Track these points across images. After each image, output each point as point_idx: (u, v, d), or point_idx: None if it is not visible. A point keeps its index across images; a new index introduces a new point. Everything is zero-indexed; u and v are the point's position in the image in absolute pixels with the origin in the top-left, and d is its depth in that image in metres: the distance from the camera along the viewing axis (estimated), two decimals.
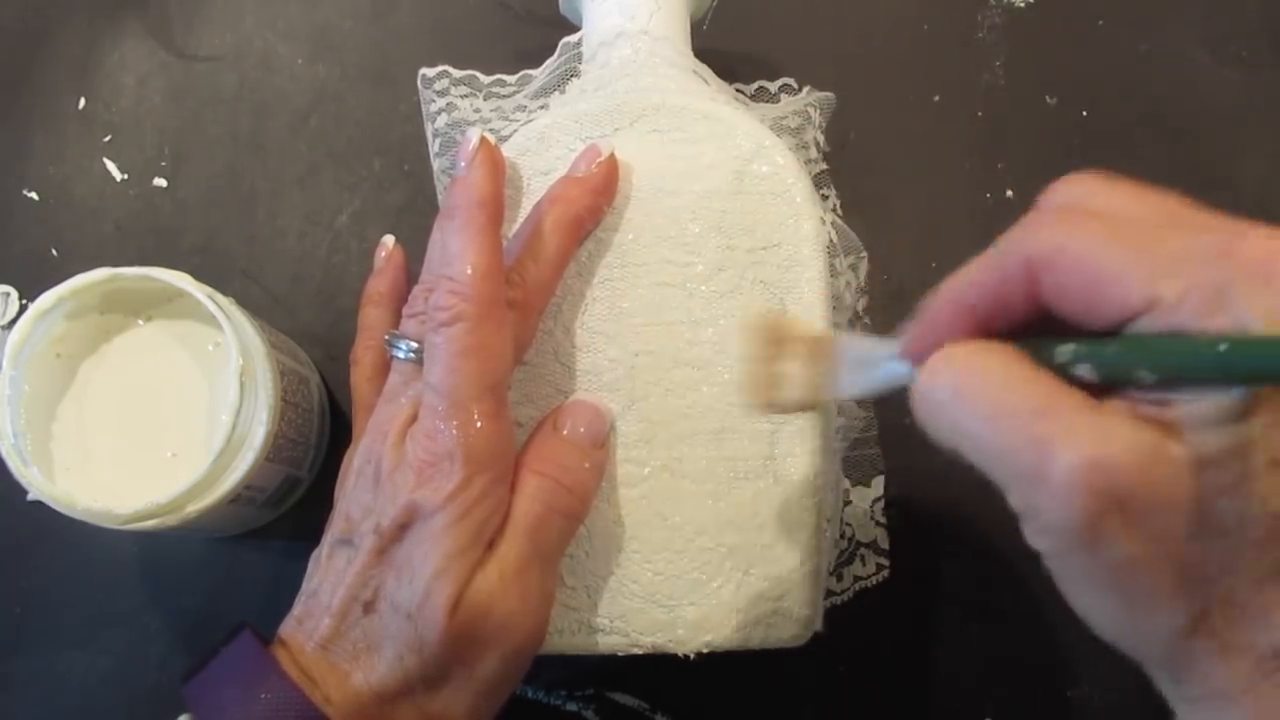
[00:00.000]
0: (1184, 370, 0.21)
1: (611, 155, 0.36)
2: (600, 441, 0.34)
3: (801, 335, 0.32)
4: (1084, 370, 0.22)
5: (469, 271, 0.32)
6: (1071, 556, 0.22)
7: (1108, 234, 0.22)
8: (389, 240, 0.42)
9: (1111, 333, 0.22)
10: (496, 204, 0.33)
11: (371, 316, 0.40)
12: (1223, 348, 0.20)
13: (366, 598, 0.32)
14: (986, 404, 0.22)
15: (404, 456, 0.32)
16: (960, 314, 0.24)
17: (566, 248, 0.35)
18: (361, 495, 0.33)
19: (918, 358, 0.26)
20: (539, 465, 0.33)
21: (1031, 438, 0.21)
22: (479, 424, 0.31)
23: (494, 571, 0.31)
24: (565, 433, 0.34)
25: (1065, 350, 0.23)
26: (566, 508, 0.33)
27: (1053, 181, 0.25)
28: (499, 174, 0.33)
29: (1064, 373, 0.23)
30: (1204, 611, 0.21)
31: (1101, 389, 0.22)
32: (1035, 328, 0.24)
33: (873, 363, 0.30)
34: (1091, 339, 0.22)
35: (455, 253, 0.32)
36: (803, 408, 0.33)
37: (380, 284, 0.41)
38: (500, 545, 0.32)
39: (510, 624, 0.31)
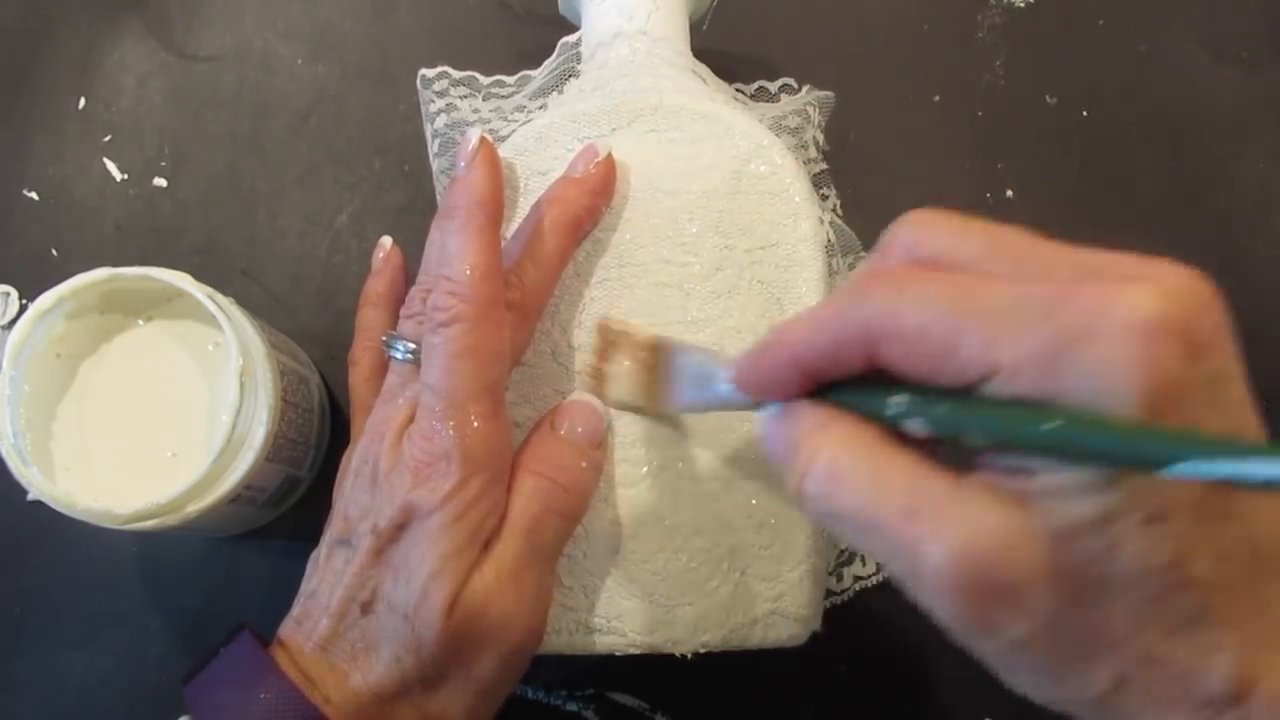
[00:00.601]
0: (1015, 443, 0.21)
1: (609, 155, 0.36)
2: (598, 440, 0.34)
3: (635, 340, 0.33)
4: (915, 426, 0.22)
5: (468, 272, 0.32)
6: (975, 645, 0.22)
7: (941, 297, 0.22)
8: (386, 241, 0.42)
9: (964, 392, 0.22)
10: (495, 204, 0.33)
11: (369, 317, 0.40)
12: (1047, 427, 0.20)
13: (364, 598, 0.32)
14: (858, 510, 0.22)
15: (401, 457, 0.32)
16: (796, 369, 0.25)
17: (564, 249, 0.35)
18: (359, 496, 0.33)
19: (751, 391, 0.26)
20: (536, 465, 0.33)
21: (902, 542, 0.21)
22: (476, 424, 0.31)
23: (490, 572, 0.31)
24: (563, 432, 0.34)
25: (897, 403, 0.22)
26: (563, 507, 0.33)
27: (899, 221, 0.24)
28: (498, 175, 0.33)
29: (894, 425, 0.23)
30: (1123, 675, 0.21)
31: (966, 454, 0.22)
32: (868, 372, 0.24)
33: (706, 381, 0.30)
34: (924, 394, 0.22)
35: (454, 253, 0.32)
36: (634, 410, 0.35)
37: (378, 285, 0.41)
38: (497, 546, 0.32)
39: (507, 624, 0.31)
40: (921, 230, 0.24)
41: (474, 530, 0.31)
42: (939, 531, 0.21)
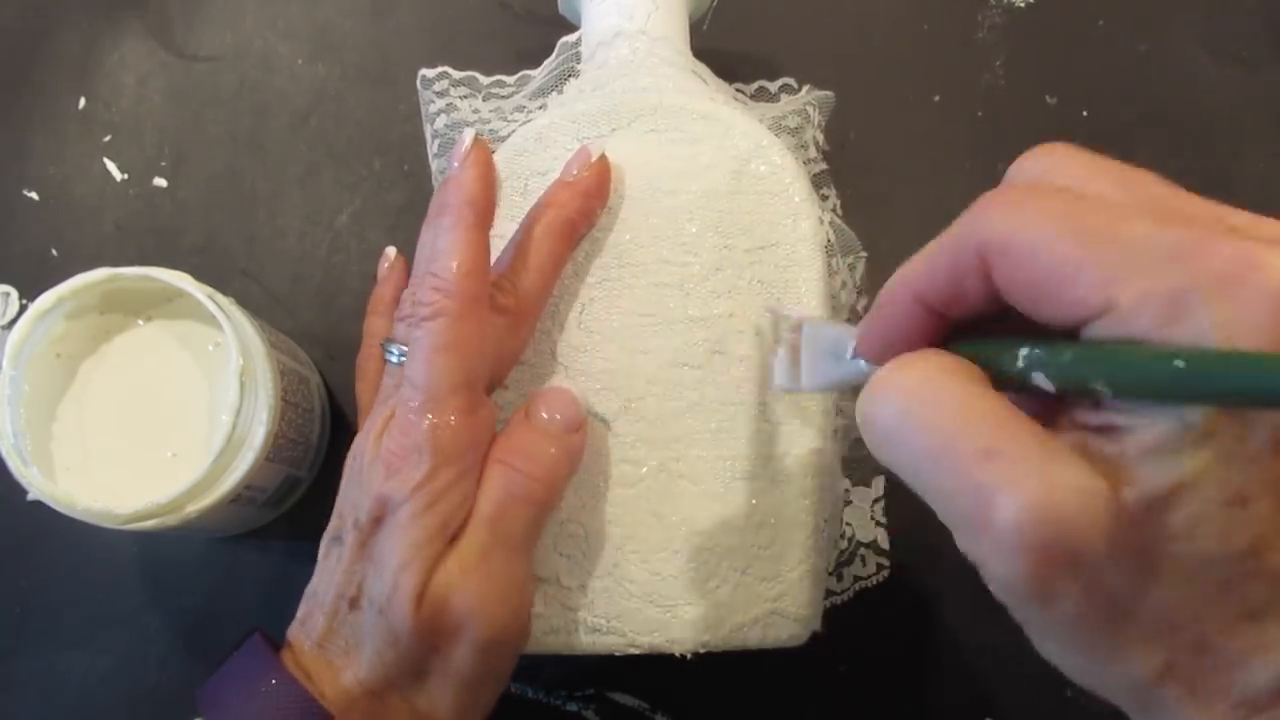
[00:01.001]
0: (1140, 387, 0.19)
1: (602, 157, 0.36)
2: (574, 426, 0.34)
3: (790, 321, 0.32)
4: (1039, 379, 0.21)
5: (454, 268, 0.32)
6: (1023, 611, 0.21)
7: (1064, 222, 0.20)
8: (390, 251, 0.42)
9: (1070, 333, 0.20)
10: (485, 204, 0.33)
11: (375, 325, 0.40)
12: (1178, 364, 0.18)
13: (352, 594, 0.32)
14: (932, 437, 0.21)
15: (379, 451, 0.32)
16: (915, 306, 0.23)
17: (558, 253, 0.35)
18: (349, 491, 0.33)
19: (874, 356, 0.24)
20: (503, 454, 0.33)
21: (975, 483, 0.20)
22: (452, 419, 0.31)
23: (454, 564, 0.31)
24: (534, 420, 0.34)
25: (1020, 355, 0.21)
26: (528, 494, 0.32)
27: (1026, 154, 0.23)
28: (489, 175, 0.33)
29: (1020, 380, 0.21)
30: (1171, 661, 0.20)
31: (1055, 408, 0.21)
32: (997, 319, 0.22)
33: (840, 354, 0.28)
34: (1048, 343, 0.21)
35: (441, 250, 0.32)
36: (793, 393, 0.33)
37: (384, 293, 0.41)
38: (462, 538, 0.32)
39: (476, 614, 0.31)
40: (1051, 161, 0.22)
41: (442, 522, 0.31)
42: (1018, 482, 0.19)
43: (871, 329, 0.25)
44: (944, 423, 0.21)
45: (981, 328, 0.23)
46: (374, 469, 0.32)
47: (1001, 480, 0.19)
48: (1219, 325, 0.18)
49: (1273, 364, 0.18)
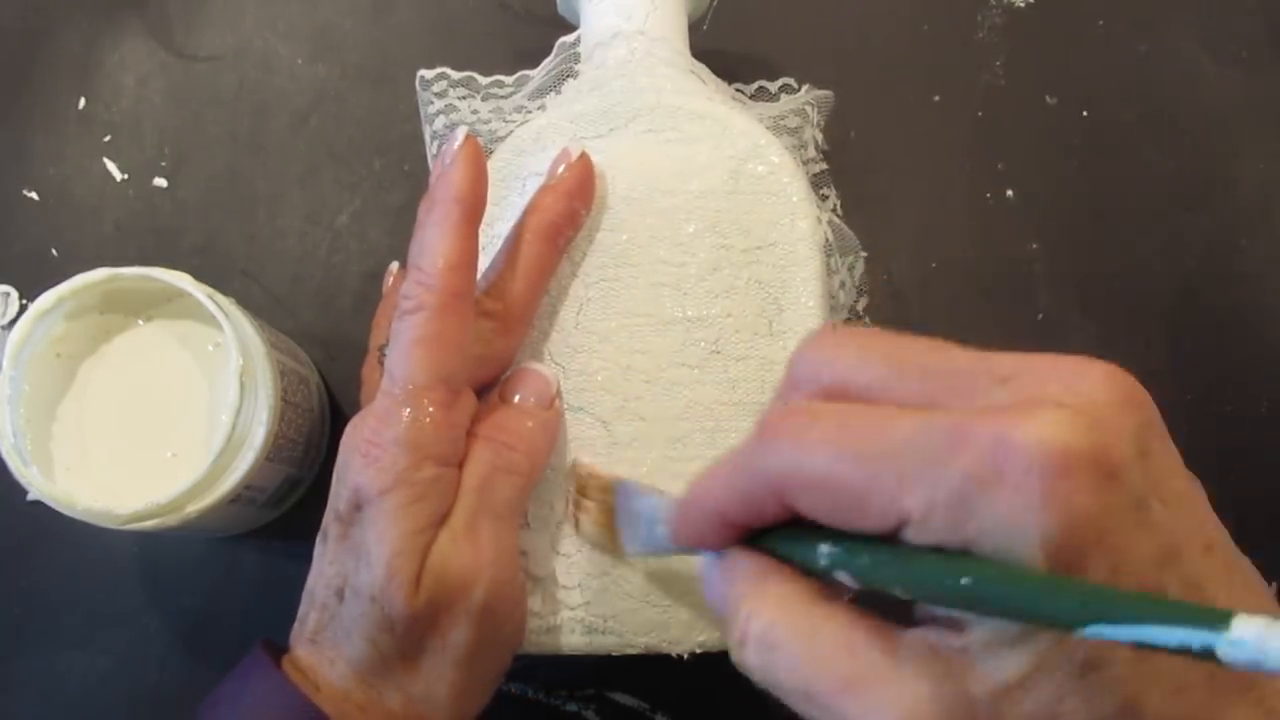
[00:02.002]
0: (935, 597, 0.20)
1: (583, 156, 0.36)
2: (546, 403, 0.35)
3: (599, 481, 0.33)
4: (843, 577, 0.21)
5: (438, 264, 0.32)
6: None
7: (840, 446, 0.21)
8: (394, 266, 0.42)
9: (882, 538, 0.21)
10: (473, 201, 0.33)
11: (379, 337, 0.40)
12: (965, 581, 0.19)
13: (338, 585, 0.32)
14: (797, 681, 0.21)
15: (356, 440, 0.32)
16: (721, 521, 0.24)
17: (544, 255, 0.35)
18: (335, 485, 0.33)
19: (685, 543, 0.25)
20: (483, 431, 0.34)
21: (844, 718, 0.20)
22: (430, 411, 0.31)
23: (445, 536, 0.32)
24: (507, 399, 0.35)
25: (823, 554, 0.22)
26: (509, 464, 0.33)
27: (800, 346, 0.24)
28: (479, 172, 0.33)
29: (825, 576, 0.22)
30: None
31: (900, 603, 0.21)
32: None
33: (653, 526, 0.29)
34: (847, 545, 0.21)
35: (427, 245, 0.32)
36: (604, 552, 0.34)
37: (388, 307, 0.41)
38: (450, 515, 0.32)
39: (468, 579, 0.31)
40: (823, 355, 0.23)
41: (432, 511, 0.31)
42: (877, 710, 0.20)
43: (680, 524, 0.25)
44: (801, 663, 0.21)
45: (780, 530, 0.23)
46: (351, 459, 0.32)
47: (863, 709, 0.20)
48: (1000, 521, 0.18)
49: (1052, 588, 0.18)
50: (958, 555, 0.19)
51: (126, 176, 0.48)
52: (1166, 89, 0.48)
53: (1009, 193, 0.47)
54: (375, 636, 0.31)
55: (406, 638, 0.31)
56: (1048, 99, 0.48)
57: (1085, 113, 0.48)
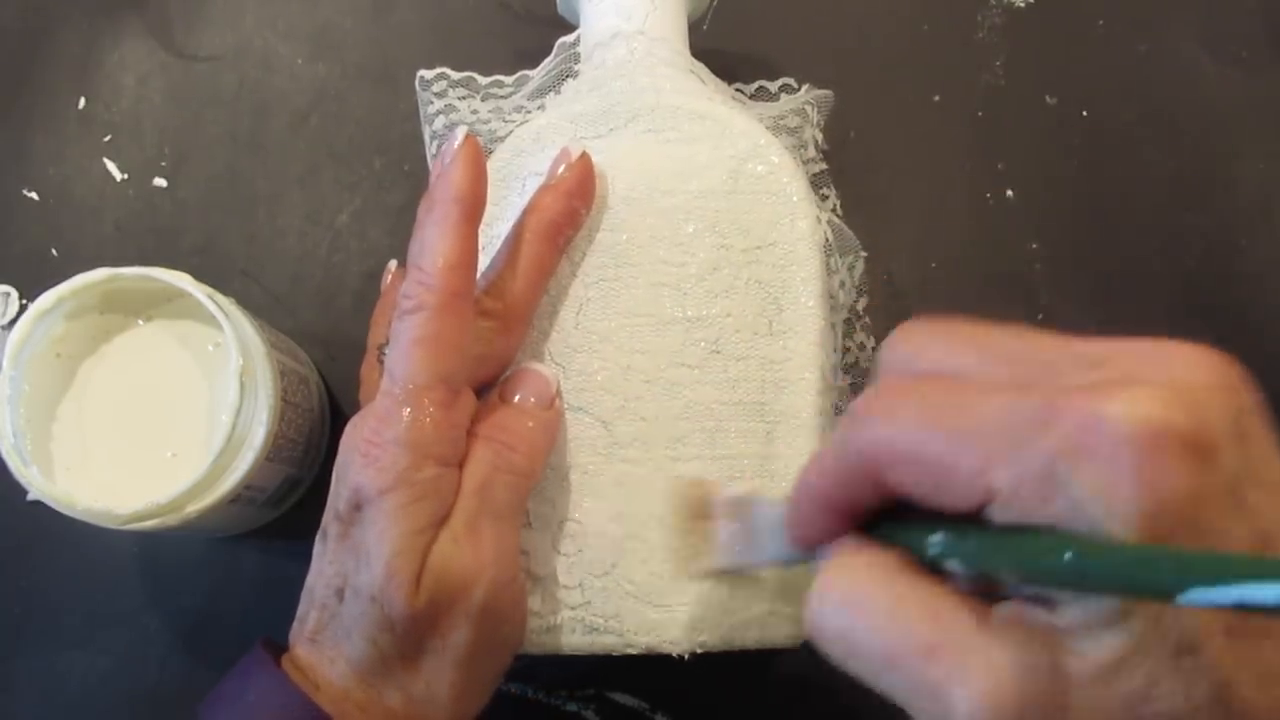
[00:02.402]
0: (1041, 578, 0.19)
1: (583, 156, 0.36)
2: (546, 402, 0.35)
3: (724, 498, 0.32)
4: (954, 566, 0.21)
5: (438, 263, 0.32)
6: None
7: (930, 420, 0.21)
8: (393, 264, 0.42)
9: (976, 517, 0.20)
10: (472, 200, 0.33)
11: (377, 336, 0.40)
12: (1068, 556, 0.18)
13: (338, 585, 0.32)
14: (878, 644, 0.21)
15: (355, 439, 0.32)
16: (826, 509, 0.24)
17: (544, 255, 0.35)
18: (334, 485, 0.33)
19: (804, 547, 0.25)
20: (484, 431, 0.34)
21: (926, 684, 0.20)
22: (431, 411, 0.32)
23: (446, 537, 0.32)
24: (507, 400, 0.35)
25: (931, 543, 0.21)
26: (510, 464, 0.33)
27: (890, 337, 0.23)
28: (478, 171, 0.34)
29: (937, 567, 0.22)
30: None
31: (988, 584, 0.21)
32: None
33: (773, 531, 0.29)
34: (957, 531, 0.21)
35: (426, 245, 0.32)
36: (730, 573, 0.33)
37: (386, 305, 0.41)
38: (451, 515, 0.32)
39: (468, 579, 0.31)
40: (913, 343, 0.23)
41: (433, 512, 0.32)
42: (964, 675, 0.19)
43: (793, 528, 0.25)
44: (884, 627, 0.21)
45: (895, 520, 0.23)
46: (351, 458, 0.32)
47: (948, 675, 0.20)
48: (1091, 496, 0.18)
49: (1149, 555, 0.18)
50: (1051, 533, 0.19)
51: (126, 176, 0.48)
52: (1166, 89, 0.48)
53: (1009, 193, 0.47)
54: (375, 636, 0.31)
55: (407, 638, 0.31)
56: (1048, 99, 0.48)
57: (1085, 113, 0.48)
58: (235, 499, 0.38)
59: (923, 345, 0.23)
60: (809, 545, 0.25)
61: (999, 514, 0.20)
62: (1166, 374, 0.19)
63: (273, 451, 0.38)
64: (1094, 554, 0.18)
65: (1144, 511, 0.18)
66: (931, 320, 0.23)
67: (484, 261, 0.35)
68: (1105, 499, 0.18)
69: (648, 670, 0.37)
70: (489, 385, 0.36)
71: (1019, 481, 0.19)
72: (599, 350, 0.36)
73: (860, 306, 0.44)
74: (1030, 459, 0.19)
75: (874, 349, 0.44)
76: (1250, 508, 0.19)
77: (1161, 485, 0.18)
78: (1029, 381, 0.20)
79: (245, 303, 0.40)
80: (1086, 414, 0.18)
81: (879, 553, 0.23)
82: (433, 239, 0.32)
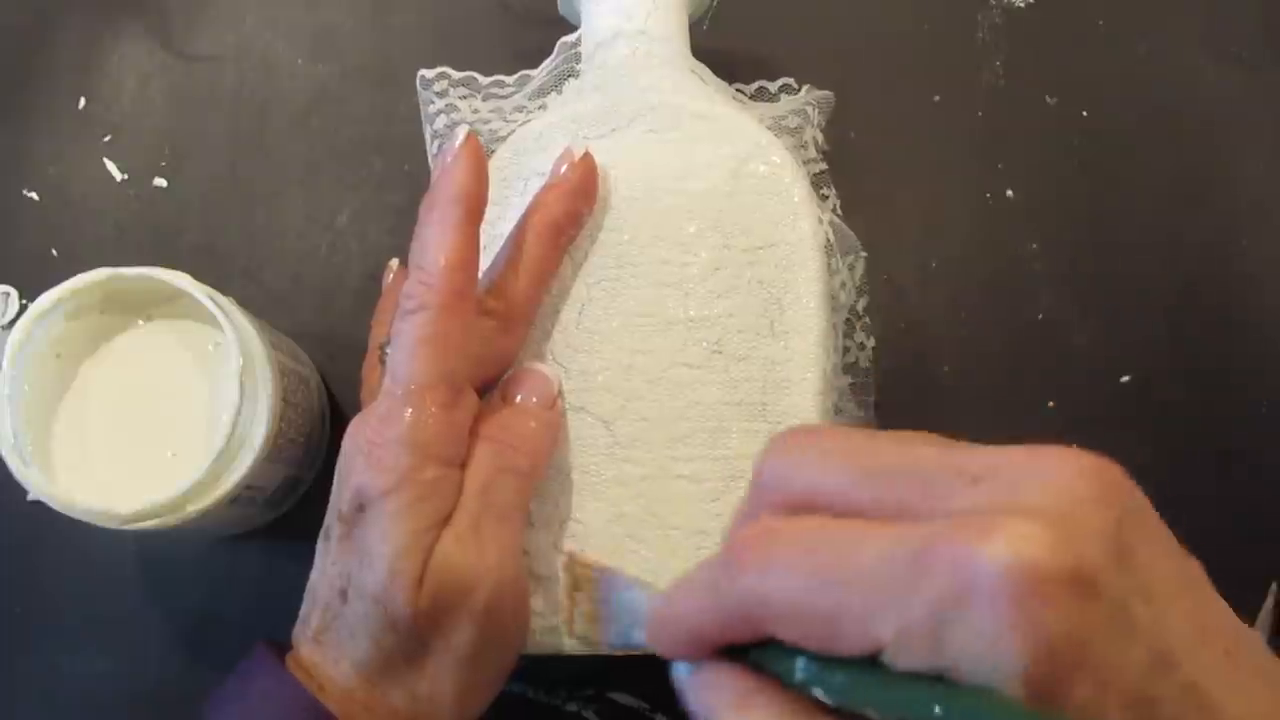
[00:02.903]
0: None
1: (586, 156, 0.36)
2: (548, 403, 0.35)
3: (589, 566, 0.32)
4: (819, 694, 0.21)
5: (440, 263, 0.32)
6: None
7: (809, 571, 0.20)
8: (394, 263, 0.42)
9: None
10: (474, 200, 0.33)
11: (378, 334, 0.40)
12: (937, 710, 0.18)
13: (341, 585, 0.32)
14: None
15: (358, 440, 0.32)
16: (695, 638, 0.23)
17: (546, 255, 0.36)
18: (337, 485, 0.33)
19: (663, 653, 0.25)
20: (486, 431, 0.34)
21: None
22: (433, 411, 0.32)
23: (450, 537, 0.32)
24: (510, 400, 0.35)
25: (800, 669, 0.21)
26: (513, 465, 0.33)
27: (765, 450, 0.23)
28: (480, 171, 0.34)
29: (802, 693, 0.21)
30: None
31: None
32: None
33: (631, 624, 0.28)
34: (822, 662, 0.20)
35: (428, 245, 0.33)
36: (593, 650, 0.33)
37: (387, 304, 0.41)
38: (454, 515, 0.32)
39: (472, 580, 0.31)
40: (787, 461, 0.22)
41: (436, 511, 0.32)
42: None
43: (656, 643, 0.25)
44: None
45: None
46: (354, 459, 0.32)
47: None
48: (974, 649, 0.18)
49: (1011, 713, 0.17)
50: (935, 681, 0.18)
51: (126, 176, 0.48)
52: (1166, 89, 0.48)
53: (1009, 193, 0.47)
54: (379, 636, 0.31)
55: (410, 637, 0.31)
56: (1048, 99, 0.48)
57: (1085, 113, 0.48)
58: (235, 499, 0.38)
59: (798, 462, 0.22)
60: (669, 657, 0.24)
61: (892, 662, 0.19)
62: (1041, 492, 0.19)
63: (273, 452, 0.38)
64: (967, 713, 0.18)
65: (1029, 662, 0.17)
66: (806, 432, 0.22)
67: (485, 261, 0.35)
68: (988, 651, 0.17)
69: (648, 670, 0.37)
70: (491, 385, 0.36)
71: (904, 633, 0.18)
72: (601, 350, 0.36)
73: (860, 306, 0.44)
74: (912, 609, 0.18)
75: (874, 349, 0.44)
76: (1143, 627, 0.18)
77: (1042, 632, 0.17)
78: (910, 502, 0.20)
79: (245, 303, 0.40)
80: (962, 561, 0.18)
81: (771, 703, 0.22)
82: (434, 239, 0.32)
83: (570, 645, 0.35)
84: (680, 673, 0.24)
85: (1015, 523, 0.18)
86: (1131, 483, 0.19)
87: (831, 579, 0.20)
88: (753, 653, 0.22)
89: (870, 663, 0.20)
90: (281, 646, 0.33)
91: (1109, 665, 0.18)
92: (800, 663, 0.21)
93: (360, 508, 0.32)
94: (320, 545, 0.33)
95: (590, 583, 0.31)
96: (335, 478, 0.33)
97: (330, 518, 0.33)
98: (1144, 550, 0.19)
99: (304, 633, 0.33)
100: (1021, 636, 0.17)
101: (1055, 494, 0.18)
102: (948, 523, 0.19)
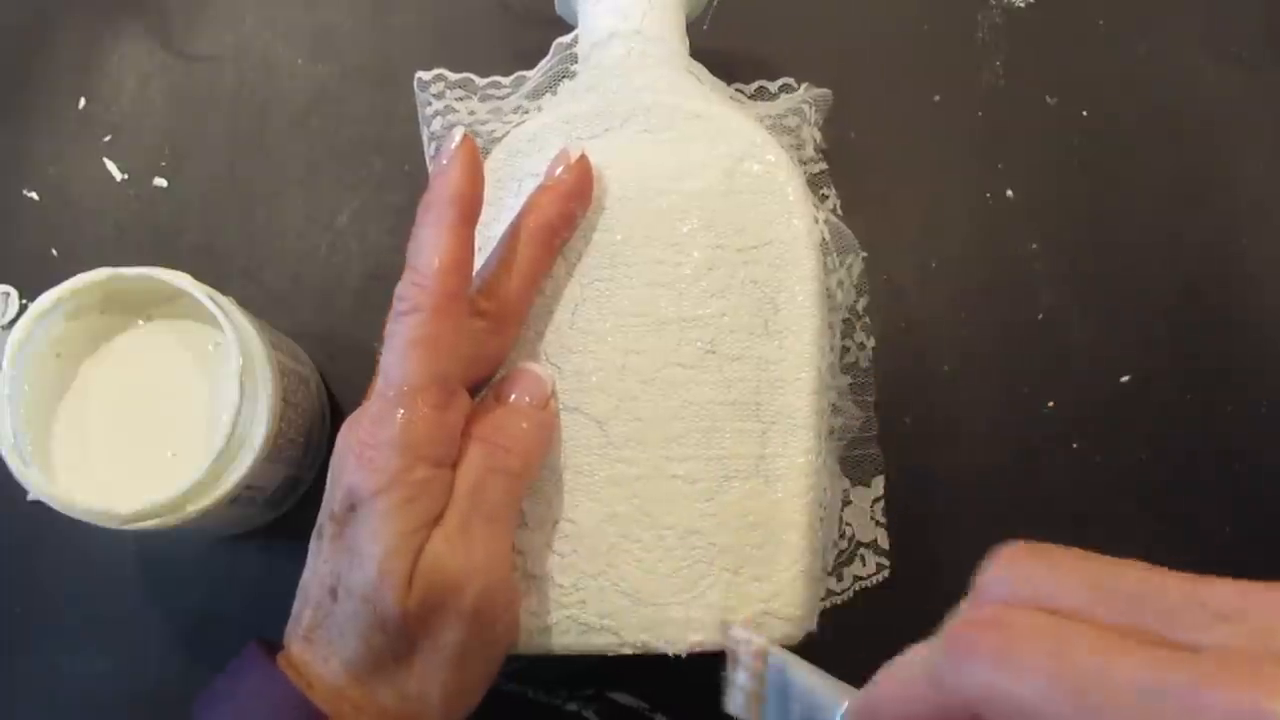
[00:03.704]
0: None
1: (582, 158, 0.36)
2: (542, 403, 0.35)
3: (751, 648, 0.32)
4: None
5: (435, 265, 0.32)
6: None
7: (1053, 676, 0.19)
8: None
9: None
10: (470, 201, 0.33)
11: None
12: None
13: (332, 584, 0.32)
14: None
15: (349, 441, 0.32)
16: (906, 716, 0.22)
17: (539, 256, 0.36)
18: (329, 485, 0.33)
19: None
20: (478, 431, 0.34)
21: None
22: (424, 412, 0.32)
23: (438, 538, 0.32)
24: (503, 400, 0.35)
25: None
26: (504, 466, 0.33)
27: (992, 558, 0.21)
28: (475, 172, 0.34)
29: None
30: None
31: None
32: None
33: (817, 712, 0.27)
34: None
35: (423, 246, 0.33)
36: None
37: None
38: (444, 516, 0.32)
39: (459, 580, 0.32)
40: (1018, 569, 0.21)
41: (424, 513, 0.32)
42: None
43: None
44: None
45: None
46: (346, 459, 0.32)
47: None
48: None
49: None
50: None
51: (126, 176, 0.48)
52: (1166, 89, 0.48)
53: (1009, 193, 0.47)
54: (368, 635, 0.31)
55: (399, 637, 0.31)
56: (1048, 99, 0.48)
57: (1085, 113, 0.48)
58: (235, 499, 0.38)
59: (1026, 573, 0.20)
60: None
61: None
62: None
63: (273, 452, 0.38)
64: None
65: None
66: (1032, 547, 0.21)
67: (480, 262, 0.35)
68: None
69: (648, 670, 0.37)
70: (482, 385, 0.36)
71: None
72: (594, 350, 0.36)
73: (860, 306, 0.44)
74: None
75: (874, 348, 0.44)
76: None
77: None
78: (1152, 628, 0.19)
79: (245, 303, 0.40)
80: (1245, 710, 0.17)
81: None
82: (428, 240, 0.32)
83: (562, 645, 0.35)
84: None
85: None
86: None
87: (1085, 689, 0.18)
88: None
89: None
90: (274, 645, 0.33)
91: None
92: None
93: (351, 507, 0.32)
94: (313, 544, 0.34)
95: (752, 655, 0.31)
96: (328, 477, 0.33)
97: (323, 517, 0.33)
98: None
99: (295, 631, 0.33)
100: None
101: None
102: (1212, 663, 0.18)
